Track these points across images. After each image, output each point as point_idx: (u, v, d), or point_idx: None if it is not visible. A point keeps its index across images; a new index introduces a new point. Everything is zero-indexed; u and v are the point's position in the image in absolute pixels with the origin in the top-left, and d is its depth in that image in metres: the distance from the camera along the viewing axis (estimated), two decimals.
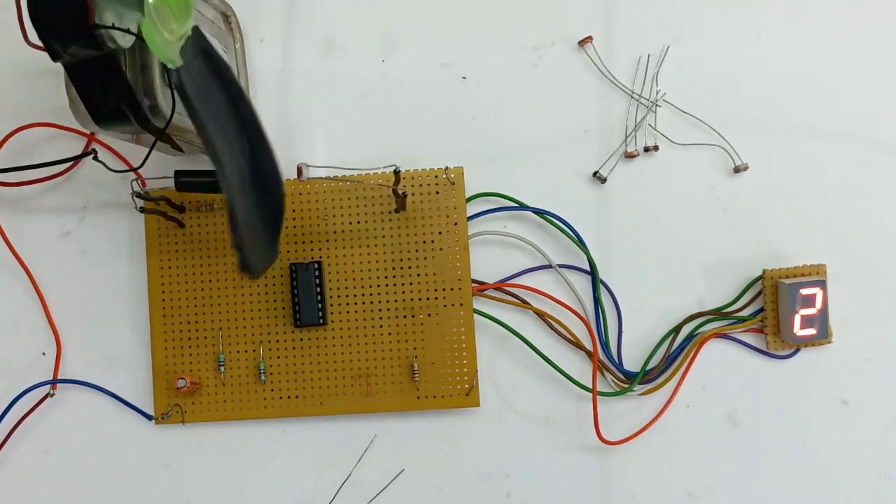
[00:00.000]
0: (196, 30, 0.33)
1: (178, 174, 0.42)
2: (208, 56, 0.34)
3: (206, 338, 0.45)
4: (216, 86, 0.34)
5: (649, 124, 0.46)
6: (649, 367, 0.45)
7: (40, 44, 0.31)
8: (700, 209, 0.46)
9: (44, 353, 0.47)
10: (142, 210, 0.44)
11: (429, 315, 0.45)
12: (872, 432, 0.45)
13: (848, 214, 0.45)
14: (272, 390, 0.45)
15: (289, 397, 0.45)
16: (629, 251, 0.46)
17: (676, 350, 0.45)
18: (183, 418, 0.45)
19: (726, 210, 0.46)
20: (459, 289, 0.45)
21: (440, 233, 0.45)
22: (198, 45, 0.33)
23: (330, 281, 0.45)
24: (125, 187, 0.45)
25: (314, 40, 0.47)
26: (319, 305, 0.45)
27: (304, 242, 0.45)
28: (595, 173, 0.46)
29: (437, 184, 0.45)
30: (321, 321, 0.45)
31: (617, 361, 0.46)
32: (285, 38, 0.47)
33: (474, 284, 0.45)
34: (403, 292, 0.45)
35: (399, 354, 0.45)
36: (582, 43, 0.46)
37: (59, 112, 0.44)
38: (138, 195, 0.43)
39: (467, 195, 0.45)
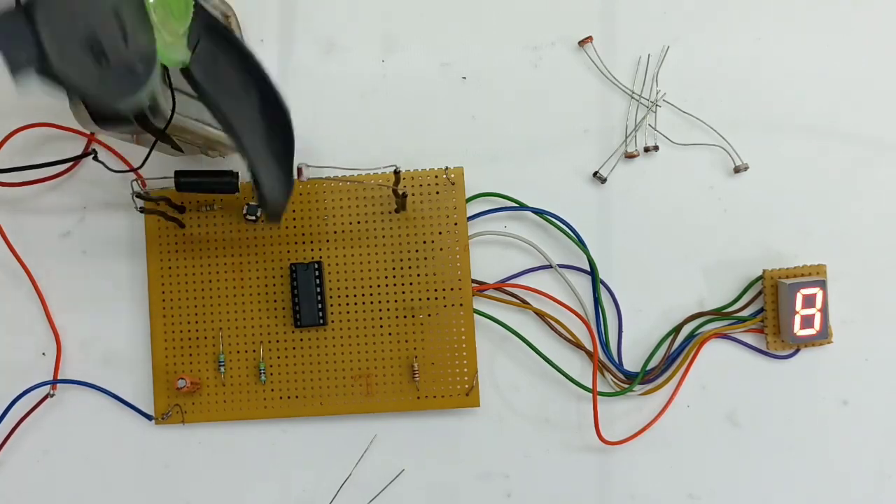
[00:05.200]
0: (196, 6, 0.34)
1: (178, 174, 0.42)
2: (211, 30, 0.35)
3: (206, 338, 0.45)
4: (222, 54, 0.35)
5: (649, 124, 0.46)
6: (649, 367, 0.45)
7: None
8: (700, 209, 0.46)
9: (44, 354, 0.47)
10: (142, 210, 0.44)
11: (429, 315, 0.45)
12: (872, 432, 0.45)
13: (848, 214, 0.45)
14: (272, 390, 0.45)
15: (289, 397, 0.45)
16: (629, 251, 0.46)
17: (676, 350, 0.45)
18: (183, 418, 0.45)
19: (726, 210, 0.46)
20: (459, 289, 0.45)
21: (440, 233, 0.45)
22: (199, 21, 0.34)
23: (330, 281, 0.45)
24: (125, 187, 0.45)
25: (314, 40, 0.47)
26: (319, 305, 0.45)
27: (304, 242, 0.45)
28: (595, 173, 0.46)
29: (437, 184, 0.45)
30: (321, 321, 0.45)
31: (617, 361, 0.46)
32: (285, 38, 0.47)
33: (474, 284, 0.45)
34: (403, 292, 0.45)
35: (399, 354, 0.45)
36: (582, 43, 0.46)
37: (59, 112, 0.44)
38: (138, 195, 0.43)
39: (467, 195, 0.45)
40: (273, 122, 0.37)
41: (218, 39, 0.35)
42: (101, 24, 0.28)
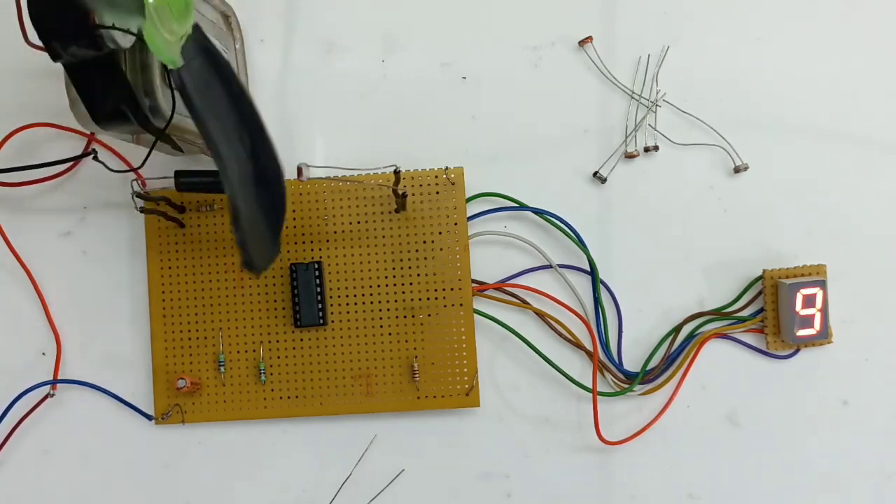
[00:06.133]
0: (196, 28, 0.33)
1: (178, 174, 0.42)
2: (209, 54, 0.34)
3: (206, 338, 0.45)
4: (217, 84, 0.34)
5: (649, 124, 0.46)
6: (649, 367, 0.45)
7: (40, 44, 0.31)
8: (700, 209, 0.46)
9: (44, 353, 0.47)
10: (142, 210, 0.44)
11: (429, 315, 0.45)
12: (872, 432, 0.45)
13: (848, 214, 0.45)
14: (272, 390, 0.45)
15: (289, 397, 0.45)
16: (629, 251, 0.46)
17: (676, 350, 0.45)
18: (183, 418, 0.45)
19: (726, 210, 0.46)
20: (459, 289, 0.45)
21: (440, 233, 0.45)
22: (198, 43, 0.33)
23: (330, 281, 0.45)
24: (125, 187, 0.45)
25: (314, 40, 0.47)
26: (319, 305, 0.45)
27: (304, 242, 0.45)
28: (595, 173, 0.46)
29: (437, 184, 0.45)
30: (321, 321, 0.45)
31: (617, 361, 0.46)
32: (285, 38, 0.47)
33: (474, 284, 0.45)
34: (403, 292, 0.45)
35: (399, 354, 0.45)
36: (582, 43, 0.46)
37: (59, 112, 0.44)
38: (138, 195, 0.43)
39: (467, 195, 0.45)
40: (264, 176, 0.35)
41: (213, 65, 0.34)
42: None
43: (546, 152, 0.46)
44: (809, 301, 0.43)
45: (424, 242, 0.45)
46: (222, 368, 0.45)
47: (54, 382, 0.46)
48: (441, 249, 0.45)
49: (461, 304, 0.45)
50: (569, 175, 0.46)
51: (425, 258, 0.45)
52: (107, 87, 0.33)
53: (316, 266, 0.45)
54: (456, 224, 0.45)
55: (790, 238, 0.46)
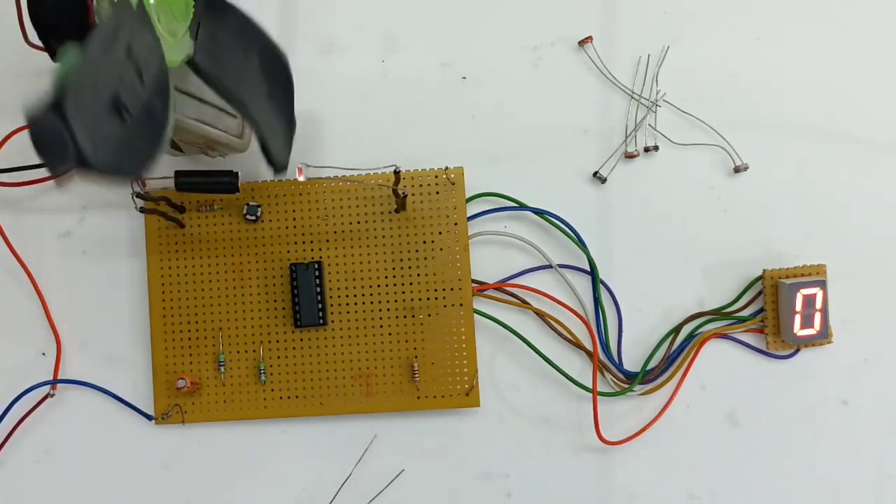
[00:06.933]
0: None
1: (178, 174, 0.42)
2: (208, 6, 0.35)
3: (206, 338, 0.45)
4: (223, 32, 0.36)
5: (649, 124, 0.46)
6: (649, 367, 0.45)
7: (40, 44, 0.31)
8: (700, 209, 0.46)
9: (44, 353, 0.47)
10: (142, 210, 0.44)
11: (429, 315, 0.45)
12: (872, 432, 0.45)
13: (848, 214, 0.45)
14: (272, 390, 0.45)
15: (289, 397, 0.45)
16: (629, 251, 0.46)
17: (676, 350, 0.45)
18: (183, 418, 0.45)
19: (726, 210, 0.46)
20: (459, 289, 0.45)
21: (440, 233, 0.45)
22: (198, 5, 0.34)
23: (330, 281, 0.45)
24: (125, 187, 0.45)
25: (314, 40, 0.47)
26: (319, 305, 0.45)
27: (304, 242, 0.45)
28: (595, 173, 0.46)
29: (437, 184, 0.45)
30: (321, 321, 0.45)
31: (617, 361, 0.46)
32: (285, 38, 0.47)
33: (474, 284, 0.45)
34: (403, 292, 0.45)
35: (399, 354, 0.45)
36: (582, 43, 0.46)
37: None
38: (138, 195, 0.43)
39: (467, 195, 0.45)
40: (274, 76, 0.38)
41: (214, 13, 0.35)
42: (118, 75, 0.28)
43: (546, 152, 0.46)
44: (809, 301, 0.43)
45: (424, 242, 0.45)
46: (222, 368, 0.45)
47: (54, 382, 0.46)
48: (441, 249, 0.45)
49: (461, 304, 0.45)
50: (569, 175, 0.46)
51: (425, 258, 0.45)
52: None
53: (316, 266, 0.45)
54: (456, 224, 0.45)
55: (790, 238, 0.46)
